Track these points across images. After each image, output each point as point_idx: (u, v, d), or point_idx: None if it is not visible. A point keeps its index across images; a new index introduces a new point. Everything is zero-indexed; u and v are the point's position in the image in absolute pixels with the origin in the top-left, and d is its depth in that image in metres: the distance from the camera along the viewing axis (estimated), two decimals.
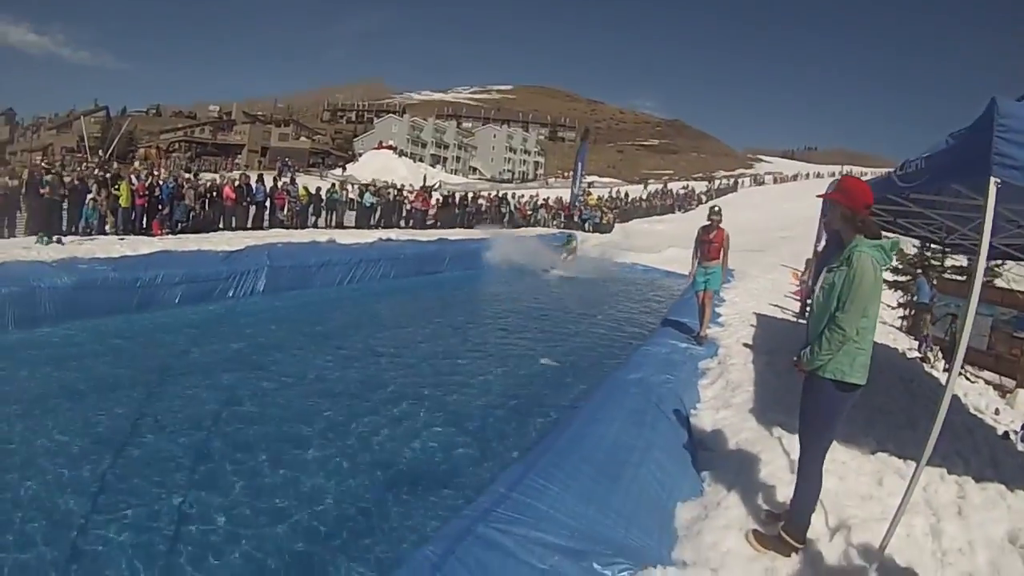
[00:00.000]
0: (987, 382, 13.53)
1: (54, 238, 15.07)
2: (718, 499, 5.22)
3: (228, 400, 9.06)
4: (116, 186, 19.64)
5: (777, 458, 5.89)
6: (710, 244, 10.91)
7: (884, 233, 4.55)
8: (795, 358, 4.43)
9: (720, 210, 11.08)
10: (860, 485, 5.49)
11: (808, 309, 4.89)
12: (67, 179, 19.52)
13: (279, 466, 7.10)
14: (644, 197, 61.19)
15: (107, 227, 19.26)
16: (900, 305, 23.02)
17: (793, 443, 5.22)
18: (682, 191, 69.39)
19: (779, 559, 4.38)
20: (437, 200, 32.90)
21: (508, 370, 11.43)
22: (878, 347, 12.55)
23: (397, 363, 11.43)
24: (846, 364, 4.20)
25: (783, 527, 4.52)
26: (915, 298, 17.37)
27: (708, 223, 10.93)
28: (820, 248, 15.12)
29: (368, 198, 28.75)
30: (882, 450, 6.31)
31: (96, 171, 21.76)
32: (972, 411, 9.54)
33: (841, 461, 5.86)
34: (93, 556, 5.32)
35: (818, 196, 4.96)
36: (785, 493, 5.03)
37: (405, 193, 31.39)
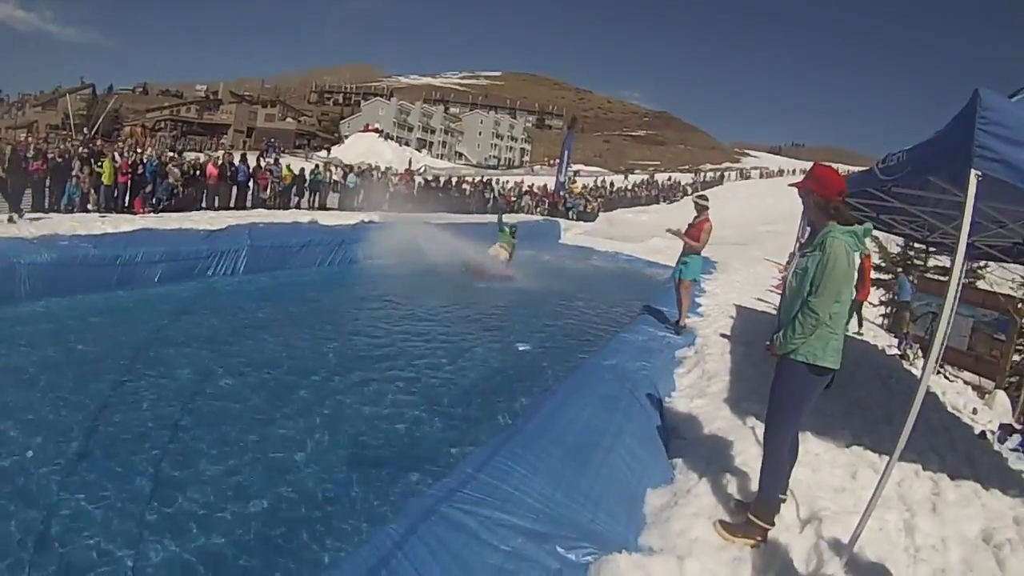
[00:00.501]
0: (966, 382, 13.64)
1: (22, 215, 14.95)
2: (688, 487, 5.22)
3: (204, 377, 9.04)
4: (99, 163, 19.55)
5: (749, 447, 5.87)
6: (690, 232, 10.86)
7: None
8: (768, 342, 4.45)
9: (706, 198, 11.06)
10: (833, 477, 5.50)
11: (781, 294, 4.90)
12: (50, 156, 19.37)
13: (249, 443, 7.08)
14: (628, 187, 61.26)
15: (89, 204, 19.19)
16: (881, 303, 23.15)
17: None
18: (667, 182, 69.47)
19: (747, 549, 4.37)
20: (420, 183, 32.83)
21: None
22: (858, 343, 12.74)
23: (371, 343, 11.37)
24: (819, 348, 4.24)
25: (751, 510, 4.53)
26: (896, 296, 17.45)
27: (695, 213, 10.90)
28: (803, 242, 15.11)
29: (352, 179, 28.66)
30: (857, 444, 6.31)
31: (80, 148, 21.51)
32: (950, 409, 9.60)
33: (815, 453, 5.88)
34: (64, 530, 5.28)
35: (790, 185, 4.94)
36: (755, 484, 4.91)
37: (389, 176, 31.26)
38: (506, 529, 4.01)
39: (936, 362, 4.26)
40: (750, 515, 4.51)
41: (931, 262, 24.42)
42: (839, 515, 4.63)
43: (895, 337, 16.20)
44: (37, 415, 7.34)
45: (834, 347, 4.28)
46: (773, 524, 4.51)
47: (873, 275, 18.26)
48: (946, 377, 12.09)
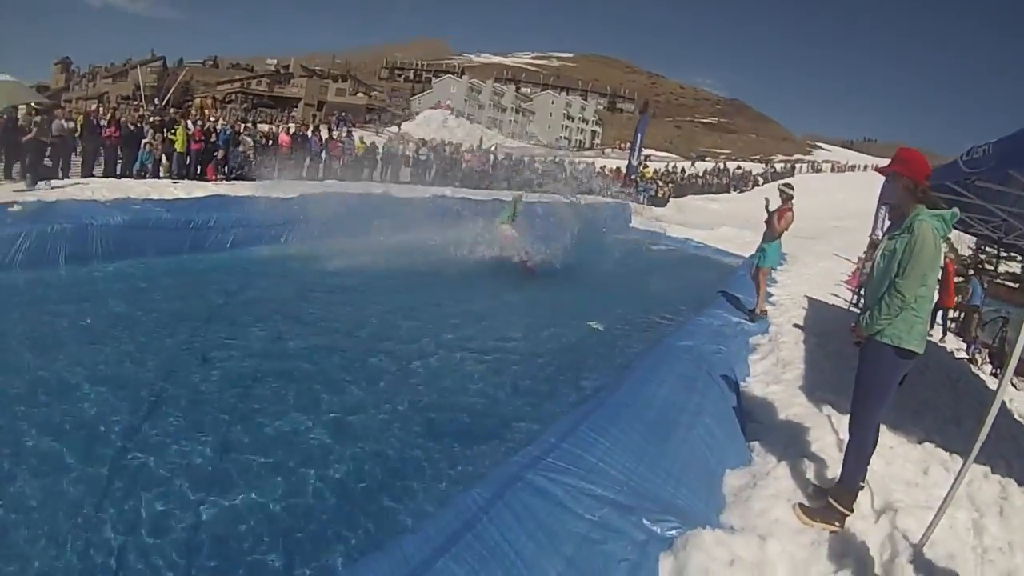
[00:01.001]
0: None
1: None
2: (767, 469, 5.24)
3: (275, 341, 9.14)
4: (172, 131, 19.92)
5: (826, 435, 5.91)
6: (771, 221, 10.74)
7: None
8: (853, 324, 4.43)
9: (792, 187, 10.92)
10: (906, 471, 5.44)
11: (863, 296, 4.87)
12: (123, 122, 19.83)
13: (321, 406, 7.11)
14: (699, 174, 60.71)
15: (161, 171, 19.59)
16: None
17: (843, 423, 5.34)
18: (738, 171, 68.66)
19: (825, 533, 4.36)
20: (491, 160, 32.88)
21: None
22: (929, 345, 12.47)
23: (443, 314, 11.39)
24: (904, 330, 4.26)
25: (832, 493, 4.54)
26: (967, 300, 17.02)
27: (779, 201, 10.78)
28: (879, 235, 14.86)
29: (424, 152, 28.77)
30: (928, 441, 6.22)
31: (152, 117, 21.95)
32: (1017, 417, 9.40)
33: (888, 446, 5.79)
34: (128, 482, 5.36)
35: (876, 169, 4.88)
36: (833, 471, 5.04)
37: (462, 152, 31.33)
38: (591, 499, 4.01)
39: (1012, 372, 4.20)
40: (830, 499, 4.50)
41: (1001, 267, 23.77)
42: (912, 509, 4.59)
43: (964, 341, 15.86)
44: (108, 371, 7.50)
45: (919, 331, 4.28)
46: (852, 511, 4.49)
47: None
48: (1014, 386, 11.77)
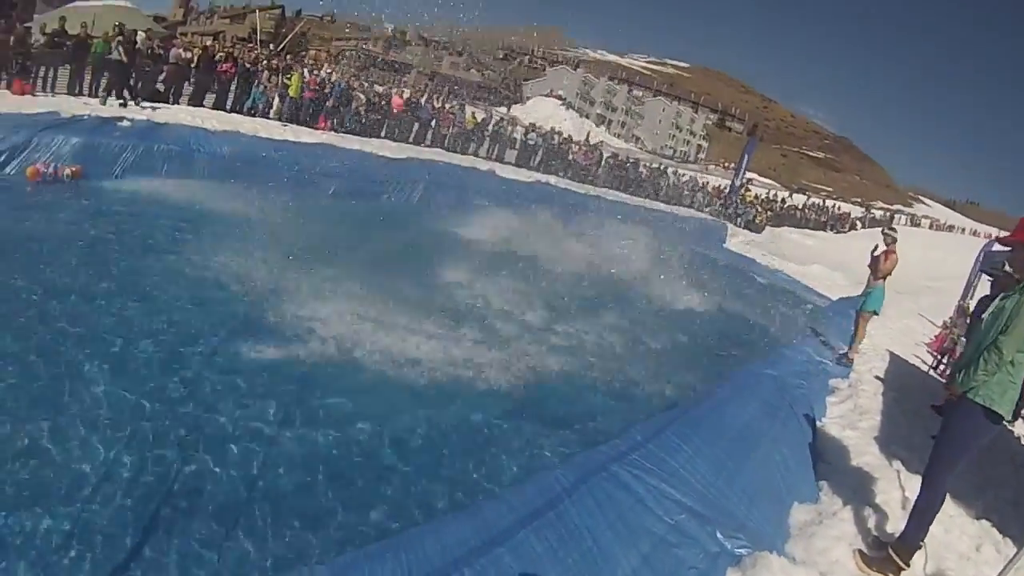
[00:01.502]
0: None
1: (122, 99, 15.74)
2: (832, 510, 5.23)
3: (367, 289, 9.27)
4: (288, 76, 20.32)
5: (893, 490, 5.82)
6: (875, 264, 10.62)
7: None
8: (946, 381, 4.42)
9: (896, 231, 10.78)
10: (961, 543, 5.35)
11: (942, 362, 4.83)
12: (240, 60, 20.40)
13: (404, 364, 7.27)
14: (799, 206, 59.69)
15: (271, 113, 20.00)
16: None
17: (911, 481, 5.41)
18: (837, 211, 67.27)
19: None
20: (600, 157, 32.84)
21: None
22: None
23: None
24: (997, 393, 4.17)
25: (893, 546, 4.50)
26: None
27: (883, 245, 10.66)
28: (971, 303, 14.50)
29: (533, 137, 28.85)
30: (986, 518, 6.09)
31: (271, 60, 22.41)
32: None
33: (948, 514, 5.69)
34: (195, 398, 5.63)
35: (999, 239, 4.84)
36: (894, 526, 5.00)
37: (571, 143, 31.35)
38: (671, 502, 4.09)
39: None
40: (891, 550, 4.47)
41: None
42: None
43: None
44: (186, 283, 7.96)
45: (1011, 397, 4.19)
46: (909, 566, 4.46)
47: None
48: None
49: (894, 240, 10.68)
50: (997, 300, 4.39)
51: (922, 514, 4.45)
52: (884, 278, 10.62)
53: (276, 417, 5.49)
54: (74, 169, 11.60)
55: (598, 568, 3.38)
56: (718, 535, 3.98)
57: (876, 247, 10.90)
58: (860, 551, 4.62)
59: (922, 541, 4.53)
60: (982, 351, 4.21)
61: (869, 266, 10.77)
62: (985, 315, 4.45)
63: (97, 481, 4.28)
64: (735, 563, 3.88)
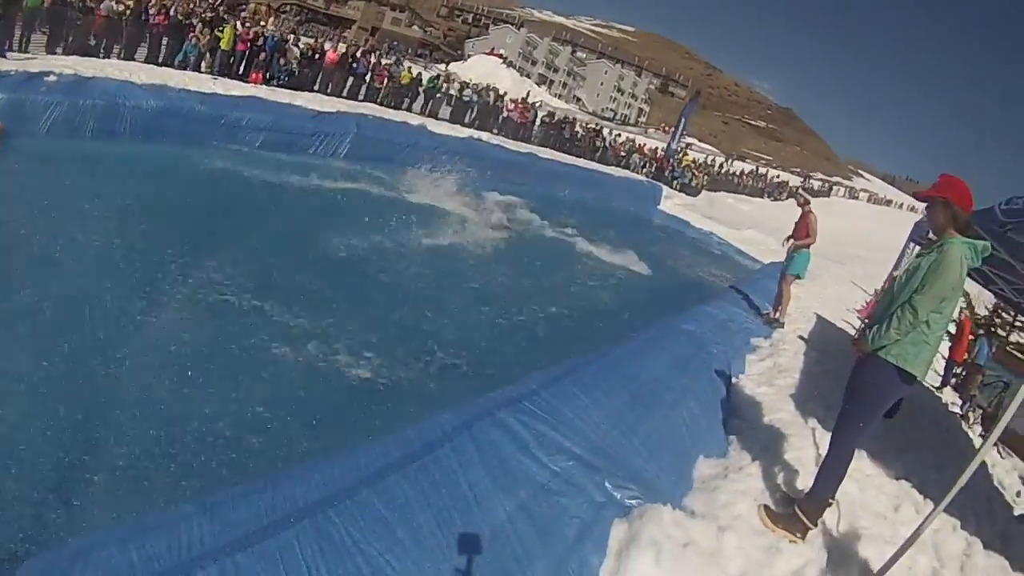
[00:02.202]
0: (1015, 467, 13.27)
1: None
2: (740, 465, 5.19)
3: (280, 251, 9.25)
4: (220, 28, 19.87)
5: (806, 447, 5.79)
6: (797, 230, 10.65)
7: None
8: (855, 335, 4.32)
9: (805, 192, 10.89)
10: (878, 502, 5.35)
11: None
12: (172, 13, 19.77)
13: (319, 317, 7.15)
14: (737, 173, 60.24)
15: (203, 66, 19.54)
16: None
17: (825, 439, 5.15)
18: (776, 179, 68.12)
19: (784, 542, 4.27)
20: (534, 115, 32.71)
21: None
22: (921, 390, 12.41)
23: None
24: (911, 353, 4.08)
25: (799, 503, 4.41)
26: (973, 358, 16.83)
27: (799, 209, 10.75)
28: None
29: (468, 94, 28.61)
30: (905, 479, 6.11)
31: (203, 12, 21.87)
32: (995, 482, 9.37)
33: (866, 473, 5.73)
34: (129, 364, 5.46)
35: (916, 195, 4.78)
36: (805, 482, 4.89)
37: (506, 101, 31.14)
38: (559, 451, 3.97)
39: (998, 435, 4.08)
40: (796, 508, 4.38)
41: (1013, 336, 23.49)
42: (875, 540, 4.50)
43: (960, 398, 15.73)
44: (115, 240, 7.64)
45: (925, 357, 4.11)
46: (816, 525, 4.39)
47: (953, 329, 17.58)
48: (999, 453, 11.70)
49: (807, 201, 10.81)
50: (912, 257, 4.28)
51: (830, 472, 4.38)
52: (809, 243, 10.62)
53: None
54: None
55: (471, 513, 3.26)
56: (606, 484, 3.87)
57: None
58: (766, 506, 4.53)
59: (831, 499, 4.45)
60: (895, 309, 4.11)
61: (792, 234, 10.79)
62: (898, 272, 4.37)
63: None
64: (623, 514, 3.76)
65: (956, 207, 4.17)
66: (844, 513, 4.80)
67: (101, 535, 3.18)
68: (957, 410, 13.96)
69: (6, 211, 8.05)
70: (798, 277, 10.93)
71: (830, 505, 4.48)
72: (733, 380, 7.41)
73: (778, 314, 10.86)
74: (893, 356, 4.09)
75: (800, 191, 10.95)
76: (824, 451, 4.87)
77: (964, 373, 16.95)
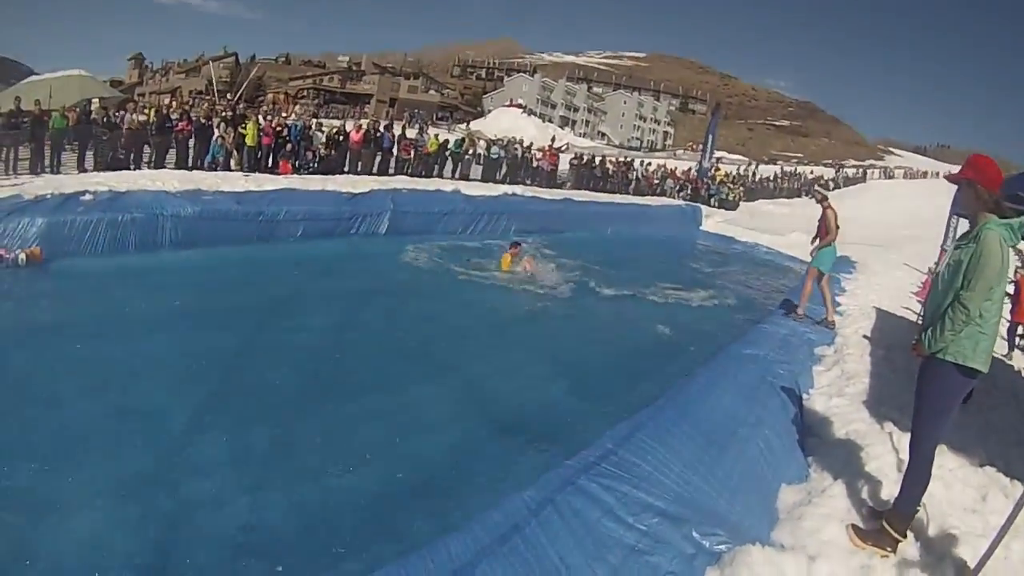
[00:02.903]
0: None
1: None
2: (823, 487, 5.13)
3: (335, 335, 9.31)
4: (243, 125, 20.33)
5: (886, 454, 5.72)
6: (820, 230, 10.68)
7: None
8: (914, 340, 4.29)
9: (820, 189, 10.89)
10: (965, 497, 5.24)
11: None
12: (195, 117, 20.43)
13: (379, 401, 7.22)
14: (771, 178, 59.82)
15: (232, 164, 20.08)
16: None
17: (904, 441, 5.15)
18: (811, 176, 67.53)
19: (876, 558, 4.23)
20: (565, 159, 32.87)
21: None
22: (994, 363, 12.18)
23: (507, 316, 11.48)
24: (968, 348, 4.07)
25: (886, 517, 4.37)
26: None
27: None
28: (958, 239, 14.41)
29: (495, 151, 28.85)
30: (991, 465, 5.98)
31: (224, 111, 22.41)
32: None
33: (948, 468, 5.61)
34: (185, 474, 5.49)
35: (946, 177, 4.80)
36: (890, 491, 4.87)
37: (533, 151, 31.34)
38: (643, 508, 4.01)
39: None
40: (884, 523, 4.35)
41: None
42: (968, 537, 4.42)
43: None
44: (172, 358, 7.72)
45: (984, 348, 4.09)
46: (905, 536, 4.35)
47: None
48: None
49: (824, 197, 10.98)
50: (952, 250, 4.27)
51: (913, 481, 4.33)
52: (830, 240, 10.59)
53: None
54: (31, 251, 11.10)
55: None
56: (694, 534, 3.89)
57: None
58: (854, 526, 4.50)
59: (917, 508, 4.41)
60: (946, 309, 4.09)
61: (815, 235, 10.79)
62: (939, 269, 4.36)
63: None
64: (714, 561, 3.80)
65: (979, 186, 4.19)
66: (932, 516, 4.70)
67: None
68: None
69: (65, 332, 8.20)
70: (822, 272, 10.88)
71: (917, 513, 4.44)
72: (803, 397, 7.34)
73: (830, 315, 10.82)
74: (951, 355, 4.09)
75: (816, 188, 10.96)
76: (904, 455, 4.87)
77: None
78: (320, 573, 4.42)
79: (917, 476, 4.31)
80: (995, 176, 4.24)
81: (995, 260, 3.97)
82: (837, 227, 10.53)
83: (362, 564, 4.40)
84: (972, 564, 4.04)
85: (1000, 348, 13.54)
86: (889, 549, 4.27)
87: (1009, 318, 14.39)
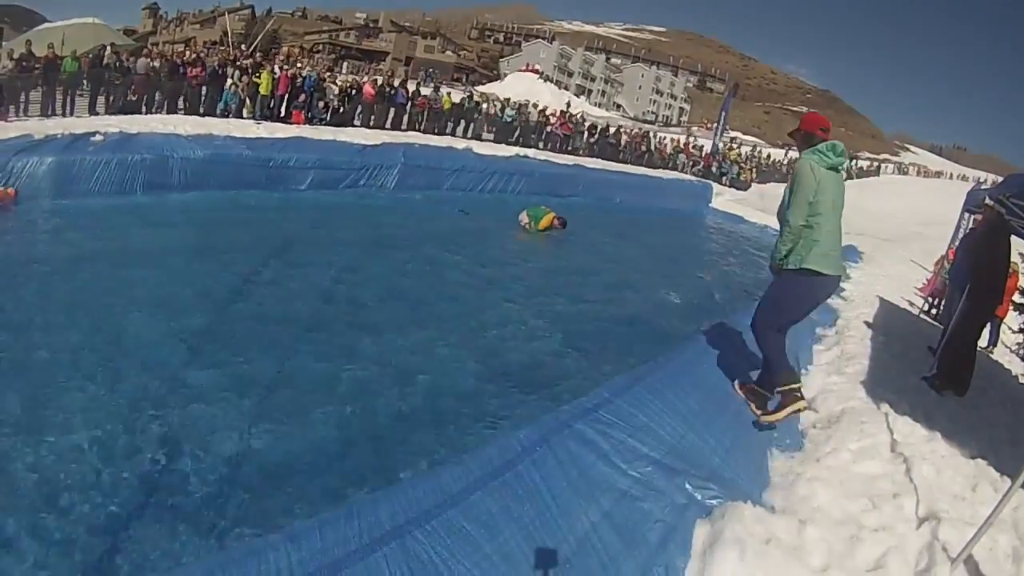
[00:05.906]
0: None
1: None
2: (816, 456, 5.21)
3: (340, 277, 9.41)
4: (257, 74, 20.26)
5: (880, 432, 5.73)
6: None
7: None
8: (769, 263, 5.00)
9: None
10: (955, 484, 5.26)
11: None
12: (208, 64, 20.42)
13: (378, 344, 7.24)
14: (784, 161, 59.57)
15: (244, 112, 20.06)
16: (1021, 330, 21.84)
17: (899, 423, 5.60)
18: None
19: (864, 531, 4.24)
20: (580, 128, 32.72)
21: None
22: (992, 362, 12.15)
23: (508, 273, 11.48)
24: (804, 252, 4.71)
25: (775, 387, 5.10)
26: None
27: None
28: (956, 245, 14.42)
29: (509, 113, 28.74)
30: (981, 457, 6.00)
31: (239, 60, 22.32)
32: None
33: (940, 455, 5.64)
34: (185, 396, 5.56)
35: (788, 134, 5.45)
36: (883, 468, 5.08)
37: (547, 115, 31.20)
38: (637, 456, 4.03)
39: None
40: (778, 389, 5.01)
41: None
42: (955, 522, 4.43)
43: None
44: (171, 292, 7.84)
45: (818, 252, 4.68)
46: (799, 380, 5.15)
47: (1018, 299, 16.98)
48: None
49: None
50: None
51: (772, 355, 5.10)
52: None
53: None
54: (3, 191, 10.81)
55: (556, 525, 3.33)
56: (687, 486, 3.91)
57: None
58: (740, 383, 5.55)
59: (777, 387, 5.05)
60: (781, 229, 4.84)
61: None
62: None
63: None
64: (705, 514, 3.81)
65: (802, 131, 5.00)
66: (922, 497, 4.74)
67: (188, 568, 3.32)
68: None
69: (67, 266, 8.22)
70: None
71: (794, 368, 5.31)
72: (802, 371, 7.37)
73: None
74: (792, 263, 4.78)
75: None
76: (898, 435, 5.34)
77: None
78: (313, 502, 4.47)
79: (772, 351, 5.09)
80: (813, 121, 5.00)
81: (806, 179, 4.67)
82: None
83: (345, 497, 4.51)
84: (958, 548, 4.07)
85: (981, 341, 13.52)
86: (798, 395, 4.98)
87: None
